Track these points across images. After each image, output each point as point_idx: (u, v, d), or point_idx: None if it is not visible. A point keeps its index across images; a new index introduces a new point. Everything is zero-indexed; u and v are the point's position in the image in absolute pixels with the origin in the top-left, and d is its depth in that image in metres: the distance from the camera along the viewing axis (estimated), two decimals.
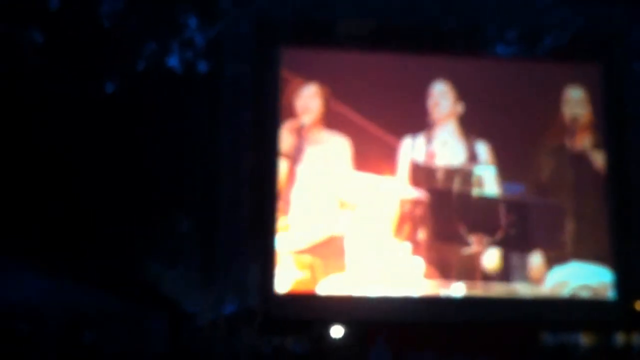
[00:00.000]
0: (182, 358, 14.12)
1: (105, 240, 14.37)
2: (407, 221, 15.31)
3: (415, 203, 15.38)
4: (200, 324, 14.99)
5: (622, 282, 15.53)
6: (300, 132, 15.22)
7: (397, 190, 15.39)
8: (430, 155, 15.54)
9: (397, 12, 15.18)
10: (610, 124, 16.14)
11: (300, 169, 15.26)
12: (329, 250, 15.06)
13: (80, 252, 14.53)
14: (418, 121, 15.61)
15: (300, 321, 15.01)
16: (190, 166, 15.02)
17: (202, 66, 15.36)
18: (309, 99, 15.36)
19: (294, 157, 15.14)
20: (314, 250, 15.07)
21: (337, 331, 15.04)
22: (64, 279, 13.04)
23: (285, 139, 15.28)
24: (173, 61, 15.20)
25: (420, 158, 15.52)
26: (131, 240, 14.73)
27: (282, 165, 15.28)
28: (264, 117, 15.26)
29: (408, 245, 15.29)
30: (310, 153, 15.32)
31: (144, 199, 14.89)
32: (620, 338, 15.24)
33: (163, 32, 15.02)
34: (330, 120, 15.37)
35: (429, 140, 15.59)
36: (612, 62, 16.18)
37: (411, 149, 15.51)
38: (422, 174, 15.44)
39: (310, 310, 15.00)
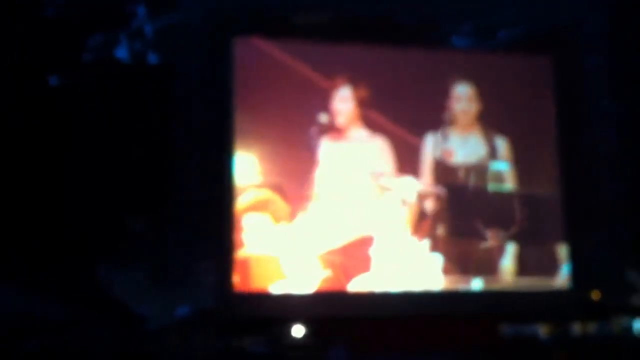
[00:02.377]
0: None
1: (50, 242, 13.69)
2: (426, 218, 15.34)
3: (434, 199, 15.47)
4: (152, 327, 14.49)
5: (578, 272, 15.84)
6: (331, 133, 15.21)
7: (416, 187, 15.46)
8: (448, 152, 15.66)
9: (356, 4, 15.00)
10: (563, 117, 16.32)
11: (330, 169, 15.17)
12: (356, 250, 14.96)
13: (23, 254, 13.83)
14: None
15: (259, 321, 14.66)
16: (141, 163, 14.43)
17: (152, 58, 14.75)
18: (342, 102, 15.25)
19: (325, 158, 15.10)
20: (341, 250, 14.95)
21: (297, 330, 14.79)
22: (4, 283, 12.43)
23: (315, 138, 15.21)
24: (121, 52, 14.53)
25: (439, 155, 15.69)
26: (78, 242, 14.08)
27: (310, 167, 15.14)
28: (218, 111, 14.79)
29: (427, 242, 15.32)
30: (341, 153, 15.24)
31: (91, 199, 14.24)
32: (577, 327, 15.57)
33: (110, 21, 14.33)
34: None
35: (446, 138, 15.70)
36: (565, 55, 16.31)
37: (431, 147, 15.57)
38: (441, 171, 15.62)
39: (269, 309, 14.66)
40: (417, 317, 14.80)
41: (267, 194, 14.66)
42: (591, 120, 15.91)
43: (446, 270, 15.27)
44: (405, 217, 15.28)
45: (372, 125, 15.31)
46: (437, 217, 15.38)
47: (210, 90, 14.56)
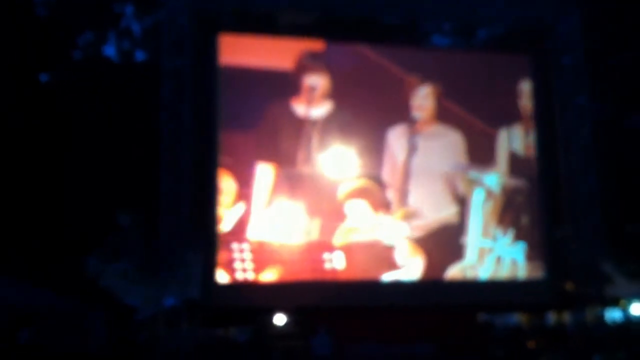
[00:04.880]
0: (123, 352, 13.90)
1: (42, 235, 13.98)
2: (511, 209, 16.34)
3: (516, 191, 16.49)
4: (141, 317, 14.76)
5: (553, 263, 16.20)
6: (414, 128, 15.99)
7: (501, 180, 16.49)
8: (528, 147, 16.74)
9: (339, 3, 15.30)
10: (540, 114, 16.77)
11: (416, 161, 15.92)
12: (444, 239, 15.85)
13: (16, 247, 14.10)
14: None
15: (244, 310, 15.01)
16: (129, 158, 14.73)
17: (140, 55, 15.09)
18: (423, 98, 16.07)
19: (410, 151, 15.86)
20: (430, 238, 15.76)
21: (280, 319, 15.08)
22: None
23: (400, 134, 15.99)
24: (109, 50, 14.87)
25: (519, 149, 16.70)
26: (70, 235, 14.36)
27: (397, 160, 16.00)
28: (204, 107, 15.06)
29: (512, 231, 16.28)
30: (424, 146, 16.06)
31: (82, 193, 14.55)
32: (553, 317, 15.93)
33: (99, 20, 14.64)
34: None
35: (527, 132, 16.72)
36: (542, 53, 16.75)
37: (506, 140, 16.57)
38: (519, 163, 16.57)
39: (254, 300, 14.91)
40: (398, 306, 15.13)
41: (365, 182, 15.61)
42: (567, 116, 16.21)
43: (529, 258, 16.12)
44: (490, 208, 16.16)
45: (448, 120, 16.17)
46: (520, 207, 16.37)
47: (196, 86, 14.82)
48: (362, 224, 15.42)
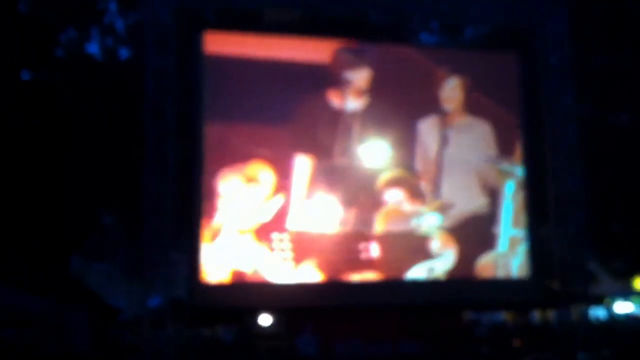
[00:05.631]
0: (107, 353, 13.80)
1: (26, 236, 13.81)
2: None
3: None
4: (125, 318, 14.68)
5: (538, 262, 16.25)
6: (444, 120, 16.22)
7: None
8: None
9: (325, 1, 15.16)
10: (527, 113, 16.74)
11: (448, 153, 16.14)
12: (476, 229, 16.05)
13: None
14: None
15: (229, 310, 14.94)
16: (113, 157, 14.57)
17: (124, 53, 14.91)
18: (451, 90, 16.28)
19: (441, 143, 16.10)
20: (462, 228, 15.92)
21: (265, 319, 15.03)
22: None
23: (431, 126, 16.22)
24: (93, 48, 14.69)
25: None
26: (53, 235, 14.21)
27: (429, 152, 16.17)
28: (189, 106, 14.91)
29: None
30: (456, 138, 16.28)
31: (65, 193, 14.38)
32: (538, 316, 16.00)
33: (82, 17, 14.43)
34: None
35: None
36: (528, 52, 16.71)
37: None
38: None
39: (240, 300, 14.76)
40: (384, 305, 15.02)
41: (402, 172, 15.86)
42: (553, 115, 16.21)
43: None
44: (522, 199, 16.27)
45: (477, 112, 16.32)
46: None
47: (180, 84, 14.60)
48: (398, 214, 15.70)
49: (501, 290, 16.00)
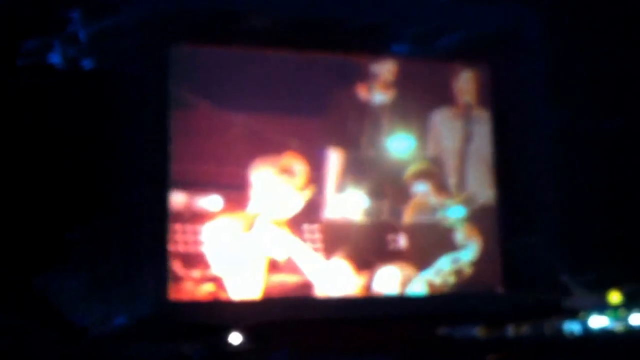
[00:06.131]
0: None
1: None
2: None
3: None
4: (91, 335, 14.32)
5: (511, 275, 16.16)
6: (463, 112, 16.61)
7: None
8: None
9: (298, 8, 15.03)
10: (498, 121, 16.76)
11: (472, 148, 16.53)
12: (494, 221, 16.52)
13: None
14: None
15: (199, 327, 14.62)
16: (78, 171, 14.15)
17: (87, 63, 14.46)
18: (465, 82, 16.70)
19: (463, 135, 16.51)
20: (485, 220, 16.46)
21: (235, 337, 14.78)
22: None
23: (451, 118, 16.57)
24: (55, 58, 14.21)
25: None
26: (16, 251, 13.77)
27: (452, 145, 16.49)
28: (156, 116, 14.61)
29: None
30: (476, 131, 16.70)
31: (27, 207, 13.93)
32: (511, 330, 15.88)
33: (44, 26, 13.96)
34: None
35: None
36: (501, 62, 16.68)
37: None
38: None
39: (210, 316, 14.62)
40: (358, 320, 14.93)
41: (428, 165, 16.20)
42: (526, 126, 16.19)
43: None
44: None
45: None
46: None
47: (147, 95, 14.33)
48: (425, 206, 16.05)
49: (474, 304, 15.97)
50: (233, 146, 14.84)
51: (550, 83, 16.33)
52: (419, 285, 15.90)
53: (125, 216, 14.00)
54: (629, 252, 16.33)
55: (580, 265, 15.72)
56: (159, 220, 14.55)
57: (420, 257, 15.76)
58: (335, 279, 15.32)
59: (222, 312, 14.77)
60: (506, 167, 16.56)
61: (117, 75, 14.12)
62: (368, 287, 15.51)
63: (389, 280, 15.64)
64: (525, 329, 15.70)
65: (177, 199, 14.52)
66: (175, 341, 14.89)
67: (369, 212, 15.45)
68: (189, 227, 14.64)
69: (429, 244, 15.88)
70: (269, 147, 14.98)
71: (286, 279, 15.03)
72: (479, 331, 16.18)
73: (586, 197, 16.73)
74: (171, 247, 14.57)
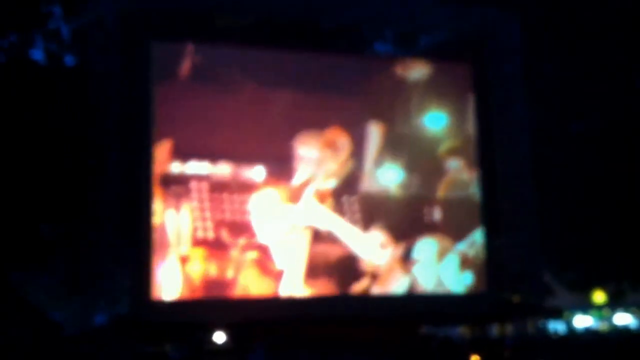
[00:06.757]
0: None
1: None
2: None
3: None
4: (68, 334, 14.06)
5: (494, 275, 16.04)
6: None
7: None
8: None
9: (276, 8, 15.02)
10: (481, 123, 16.83)
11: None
12: None
13: None
14: None
15: (178, 327, 14.44)
16: (56, 167, 13.99)
17: (70, 60, 14.41)
18: None
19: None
20: None
21: (218, 336, 14.58)
22: None
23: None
24: (37, 54, 14.13)
25: None
26: None
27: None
28: (134, 114, 14.41)
29: None
30: None
31: (4, 205, 13.74)
32: (495, 329, 15.76)
33: (25, 22, 13.88)
34: None
35: None
36: (482, 62, 16.81)
37: None
38: None
39: (189, 315, 14.39)
40: (338, 319, 14.83)
41: (460, 141, 16.69)
42: (505, 124, 16.26)
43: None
44: None
45: None
46: None
47: (127, 91, 14.20)
48: (458, 181, 16.64)
49: (458, 304, 15.87)
50: (278, 121, 15.35)
51: (529, 83, 16.38)
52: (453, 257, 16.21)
53: (105, 213, 13.81)
54: (612, 252, 16.31)
55: (561, 265, 15.67)
56: (140, 220, 14.34)
57: (455, 230, 16.26)
58: (374, 250, 15.69)
59: (202, 311, 14.46)
60: (486, 168, 16.57)
61: (97, 70, 14.00)
62: (406, 257, 15.87)
63: (426, 251, 16.04)
64: (509, 329, 15.61)
65: (223, 169, 14.85)
66: (154, 341, 14.69)
67: (405, 186, 16.13)
68: (236, 197, 14.94)
69: (463, 217, 16.42)
70: (313, 123, 15.63)
71: (328, 250, 15.40)
72: (462, 331, 16.11)
73: (566, 197, 16.79)
74: (217, 216, 14.80)
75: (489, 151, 16.54)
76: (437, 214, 16.20)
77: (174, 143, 14.59)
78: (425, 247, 15.97)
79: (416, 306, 15.58)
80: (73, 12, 14.03)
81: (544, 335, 15.61)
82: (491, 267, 16.05)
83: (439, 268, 15.93)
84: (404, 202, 16.11)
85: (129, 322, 13.65)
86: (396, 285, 15.68)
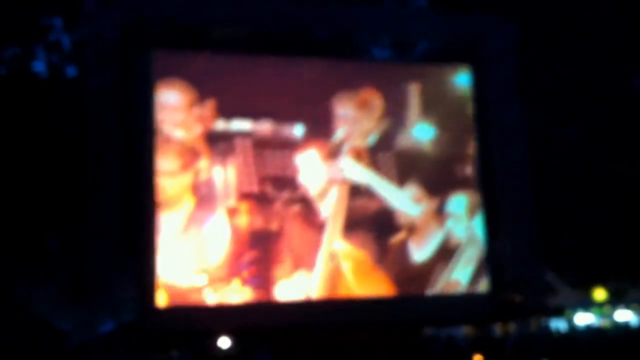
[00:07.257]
0: None
1: None
2: None
3: None
4: (73, 343, 14.07)
5: (496, 276, 16.11)
6: None
7: None
8: None
9: (271, 19, 15.21)
10: (478, 122, 17.00)
11: None
12: None
13: None
14: None
15: (183, 334, 14.42)
16: (58, 178, 14.01)
17: (71, 71, 14.47)
18: None
19: None
20: None
21: (224, 342, 14.61)
22: None
23: None
24: (39, 66, 14.19)
25: None
26: None
27: None
28: (134, 125, 14.47)
29: None
30: None
31: (7, 215, 13.78)
32: (498, 329, 15.72)
33: (26, 34, 13.94)
34: None
35: None
36: (477, 67, 16.98)
37: None
38: None
39: (193, 322, 14.45)
40: (341, 324, 14.88)
41: None
42: (501, 128, 16.38)
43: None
44: None
45: None
46: None
47: (127, 102, 14.23)
48: None
49: (461, 305, 15.93)
50: (315, 84, 15.83)
51: (523, 88, 16.50)
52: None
53: (108, 222, 13.76)
54: (613, 250, 16.36)
55: (561, 264, 15.69)
56: (142, 225, 14.38)
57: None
58: (409, 204, 16.16)
59: (205, 318, 14.55)
60: (485, 170, 16.68)
61: (97, 82, 13.98)
62: (440, 211, 16.29)
63: (459, 205, 16.49)
64: (511, 329, 15.57)
65: (264, 126, 15.33)
66: (159, 348, 14.68)
67: (437, 143, 16.60)
68: (278, 152, 15.42)
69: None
70: (349, 83, 16.11)
71: (366, 204, 15.85)
72: (465, 332, 16.07)
73: (563, 198, 16.91)
74: (261, 171, 15.30)
75: (486, 154, 16.70)
76: (468, 170, 16.72)
77: (217, 102, 15.01)
78: (458, 201, 16.50)
79: (419, 308, 15.62)
80: (74, 24, 14.09)
81: (547, 333, 15.55)
82: (494, 268, 16.10)
83: (472, 222, 16.42)
84: (436, 158, 16.61)
85: (134, 329, 13.68)
86: (431, 238, 16.12)
